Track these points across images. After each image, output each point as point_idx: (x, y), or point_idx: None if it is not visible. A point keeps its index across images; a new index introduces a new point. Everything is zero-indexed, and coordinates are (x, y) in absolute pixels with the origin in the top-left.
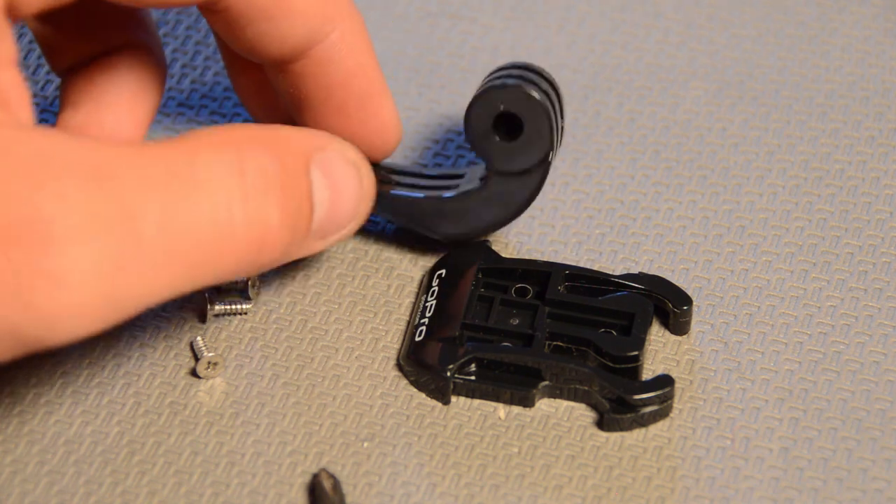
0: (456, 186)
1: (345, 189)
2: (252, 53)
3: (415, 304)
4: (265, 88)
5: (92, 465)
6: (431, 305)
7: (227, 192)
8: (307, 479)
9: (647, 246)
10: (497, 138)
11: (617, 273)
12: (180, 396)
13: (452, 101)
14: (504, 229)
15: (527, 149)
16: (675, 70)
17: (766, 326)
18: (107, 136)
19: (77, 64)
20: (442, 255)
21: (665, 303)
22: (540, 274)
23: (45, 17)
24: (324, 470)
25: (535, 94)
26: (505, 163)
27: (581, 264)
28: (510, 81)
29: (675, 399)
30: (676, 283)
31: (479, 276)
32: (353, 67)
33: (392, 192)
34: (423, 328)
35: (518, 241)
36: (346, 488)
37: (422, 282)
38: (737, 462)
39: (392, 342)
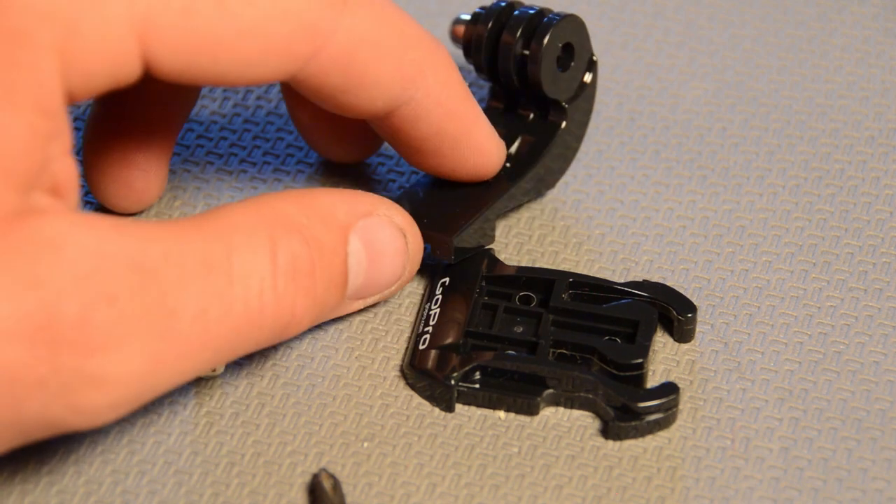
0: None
1: (387, 254)
2: (333, 112)
3: (418, 311)
4: (325, 122)
5: (92, 465)
6: (435, 313)
7: (259, 282)
8: (307, 479)
9: (647, 246)
10: (559, 70)
11: (620, 278)
12: (180, 396)
13: None
14: (503, 231)
15: (578, 72)
16: (675, 70)
17: (766, 326)
18: (136, 171)
19: None
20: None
21: (669, 310)
22: (544, 282)
23: None
24: (324, 470)
25: (572, 15)
26: (567, 91)
27: (580, 265)
28: (552, 18)
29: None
30: (679, 288)
31: (483, 283)
32: (442, 118)
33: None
34: (427, 336)
35: (518, 240)
36: (346, 488)
37: (425, 290)
38: (737, 462)
39: (392, 342)
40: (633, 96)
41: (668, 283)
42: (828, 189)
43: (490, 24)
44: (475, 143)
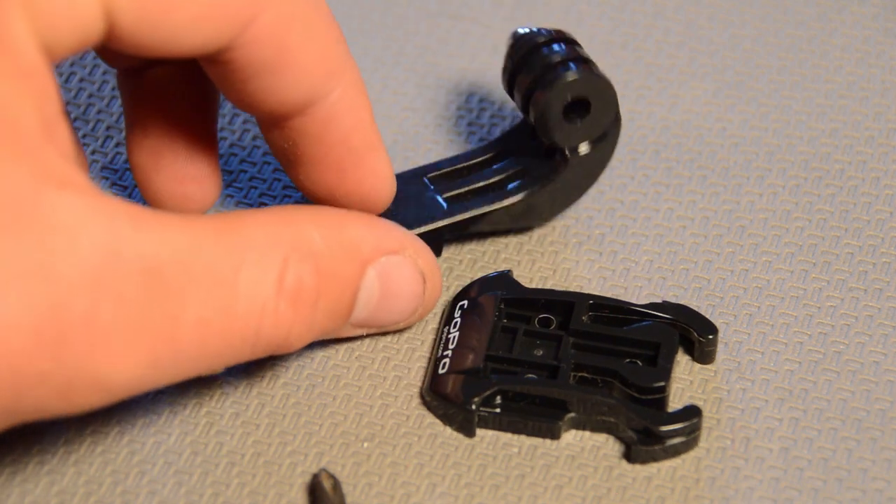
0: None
1: (401, 295)
2: (251, 108)
3: (437, 335)
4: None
5: (92, 465)
6: (454, 337)
7: (262, 303)
8: (307, 479)
9: (647, 246)
10: (568, 122)
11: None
12: (180, 396)
13: (451, 100)
14: (502, 232)
15: (597, 121)
16: (675, 70)
17: (766, 326)
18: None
19: (135, 66)
20: (464, 285)
21: (690, 332)
22: (563, 304)
23: None
24: (324, 470)
25: (598, 74)
26: (581, 139)
27: (580, 265)
28: (570, 69)
29: (675, 400)
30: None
31: (502, 306)
32: (351, 125)
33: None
34: (447, 360)
35: (518, 241)
36: (346, 488)
37: (442, 312)
38: (737, 462)
39: (391, 342)
40: (633, 96)
41: (668, 283)
42: (828, 189)
43: (516, 56)
44: (377, 166)
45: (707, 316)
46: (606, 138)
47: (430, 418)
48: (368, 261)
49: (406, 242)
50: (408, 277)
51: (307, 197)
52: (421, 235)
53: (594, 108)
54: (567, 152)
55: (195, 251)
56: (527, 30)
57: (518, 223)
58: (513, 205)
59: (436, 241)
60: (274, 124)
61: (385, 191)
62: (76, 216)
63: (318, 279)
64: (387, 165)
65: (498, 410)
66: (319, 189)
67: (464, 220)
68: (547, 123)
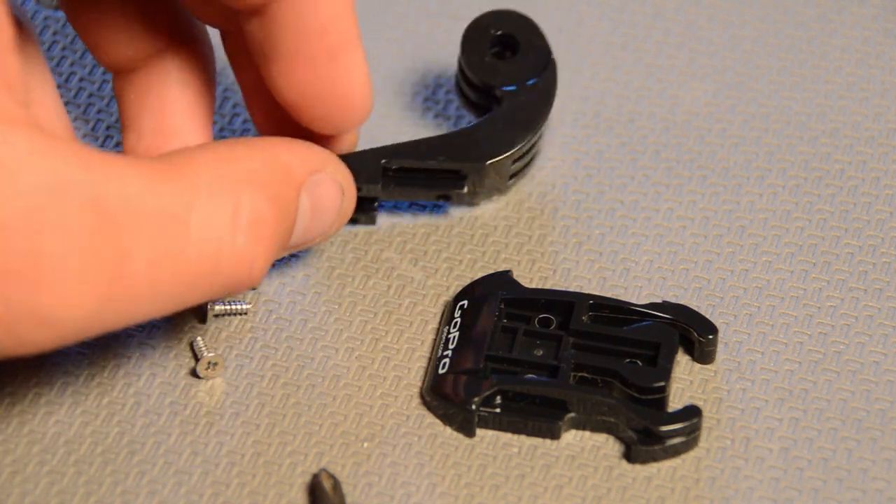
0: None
1: (325, 211)
2: None
3: (437, 335)
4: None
5: (92, 465)
6: (454, 337)
7: (218, 239)
8: (307, 479)
9: (647, 246)
10: (497, 60)
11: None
12: (180, 396)
13: (450, 100)
14: (503, 231)
15: (529, 61)
16: (675, 70)
17: (766, 326)
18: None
19: (127, 65)
20: (464, 285)
21: (690, 332)
22: (563, 304)
23: (81, 14)
24: (324, 470)
25: (519, 12)
26: (512, 79)
27: (580, 265)
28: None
29: (675, 400)
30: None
31: (502, 306)
32: (328, 16)
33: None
34: (447, 360)
35: (518, 240)
36: (346, 488)
37: (442, 312)
38: (737, 462)
39: (392, 342)
40: (633, 96)
41: (668, 283)
42: (828, 189)
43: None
44: (353, 67)
45: (707, 316)
46: (541, 80)
47: (430, 418)
48: (301, 183)
49: (327, 161)
50: (331, 193)
51: (280, 102)
52: (363, 164)
53: (521, 45)
54: (501, 92)
55: (145, 191)
56: None
57: (459, 160)
58: (447, 136)
59: (374, 173)
60: (252, 13)
61: (361, 97)
62: (17, 154)
63: (271, 207)
64: (363, 69)
65: (498, 410)
66: (292, 90)
67: (404, 148)
68: (472, 66)
